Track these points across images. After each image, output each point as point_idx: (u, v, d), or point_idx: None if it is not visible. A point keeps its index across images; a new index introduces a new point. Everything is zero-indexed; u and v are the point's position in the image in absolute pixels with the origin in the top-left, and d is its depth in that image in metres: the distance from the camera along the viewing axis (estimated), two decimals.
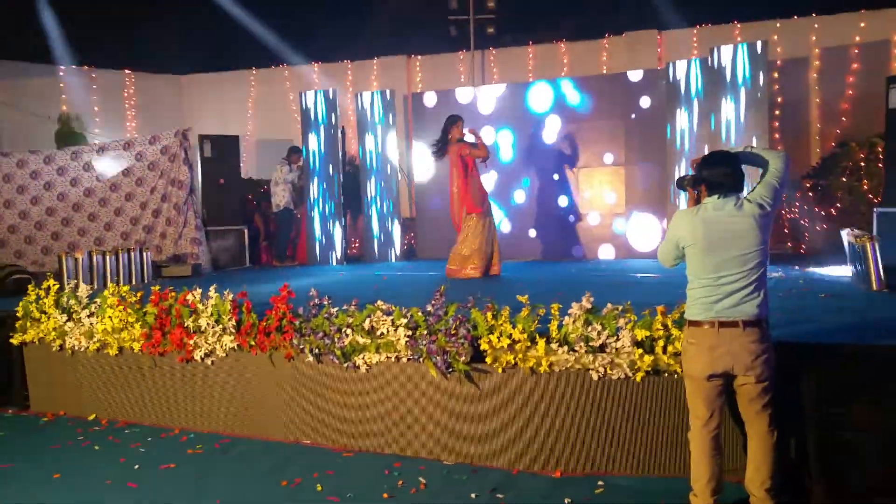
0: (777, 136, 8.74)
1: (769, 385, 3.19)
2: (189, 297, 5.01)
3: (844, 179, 8.08)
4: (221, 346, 4.82)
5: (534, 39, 10.73)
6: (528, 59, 10.74)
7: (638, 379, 3.83)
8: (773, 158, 3.33)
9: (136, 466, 4.33)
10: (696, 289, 3.26)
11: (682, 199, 8.24)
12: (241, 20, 11.56)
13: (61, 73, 11.71)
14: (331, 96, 9.66)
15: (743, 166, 3.30)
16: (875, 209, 6.61)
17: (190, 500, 3.85)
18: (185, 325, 4.91)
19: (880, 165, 7.98)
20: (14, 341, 5.52)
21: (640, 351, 3.83)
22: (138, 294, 5.34)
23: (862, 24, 8.73)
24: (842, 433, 3.25)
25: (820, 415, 3.43)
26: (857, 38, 8.75)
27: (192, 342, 4.89)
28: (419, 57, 11.34)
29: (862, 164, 8.03)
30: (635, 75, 8.91)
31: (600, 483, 3.85)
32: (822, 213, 8.18)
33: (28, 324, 5.47)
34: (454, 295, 4.61)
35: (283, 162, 9.94)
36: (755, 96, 7.45)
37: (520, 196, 9.56)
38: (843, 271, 6.35)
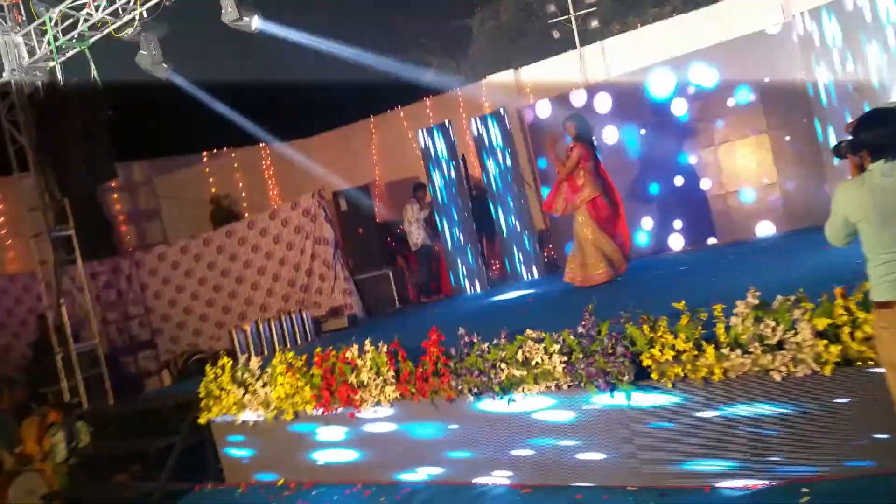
0: None
1: None
2: (348, 354, 5.19)
3: None
4: (385, 397, 4.94)
5: (642, 21, 10.27)
6: (642, 43, 10.28)
7: (828, 372, 3.45)
8: None
9: None
10: (878, 265, 2.90)
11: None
12: (353, 73, 12.07)
13: (205, 159, 12.77)
14: (446, 127, 9.77)
15: None
16: None
17: None
18: (349, 381, 5.08)
19: None
20: (202, 420, 5.98)
21: (825, 342, 3.45)
22: (303, 357, 5.60)
23: None
24: None
25: None
26: None
27: (357, 397, 5.04)
28: (524, 69, 11.22)
29: None
30: (758, 34, 8.24)
31: (804, 490, 3.49)
32: None
33: (211, 402, 5.91)
34: (603, 310, 4.41)
35: (412, 201, 10.16)
36: None
37: (656, 188, 9.10)
38: None
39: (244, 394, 5.71)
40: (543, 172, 10.00)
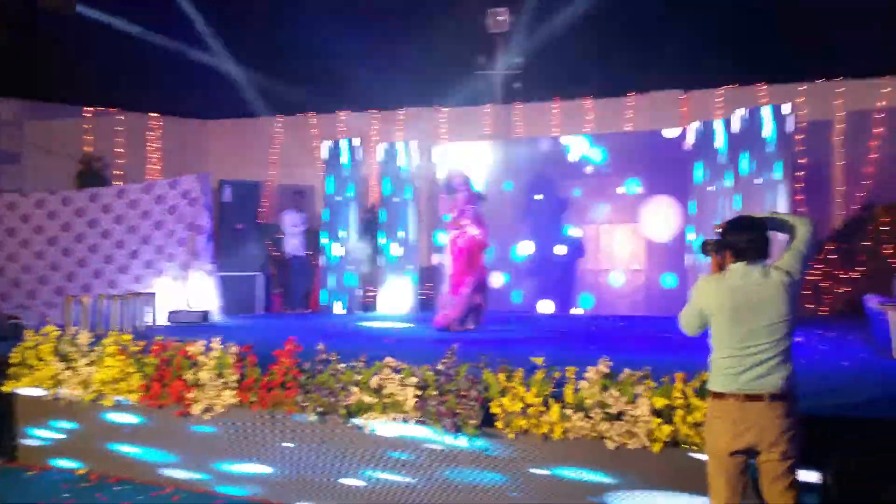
0: (800, 197, 8.60)
1: (795, 463, 2.98)
2: (191, 349, 4.88)
3: (868, 243, 7.90)
4: (221, 402, 4.66)
5: (559, 95, 10.74)
6: (552, 115, 10.75)
7: (656, 450, 3.61)
8: (799, 224, 3.18)
9: None
10: (721, 359, 3.08)
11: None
12: (268, 68, 11.76)
13: (86, 115, 11.89)
14: (355, 145, 9.71)
15: (769, 232, 3.15)
16: None
17: None
18: (186, 378, 4.77)
19: None
20: (6, 389, 5.32)
21: (659, 420, 3.62)
22: (141, 343, 5.21)
23: (886, 90, 8.66)
24: None
25: (845, 494, 3.19)
26: (882, 103, 8.67)
27: (190, 395, 4.73)
28: (444, 109, 11.39)
29: (886, 228, 7.87)
30: (659, 134, 8.87)
31: None
32: (844, 276, 7.99)
33: (24, 371, 5.29)
34: (466, 353, 4.43)
35: (292, 210, 9.92)
36: (780, 158, 7.33)
37: (530, 251, 9.41)
38: (864, 336, 6.10)
39: (64, 369, 5.21)
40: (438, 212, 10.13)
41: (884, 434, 3.29)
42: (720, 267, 3.27)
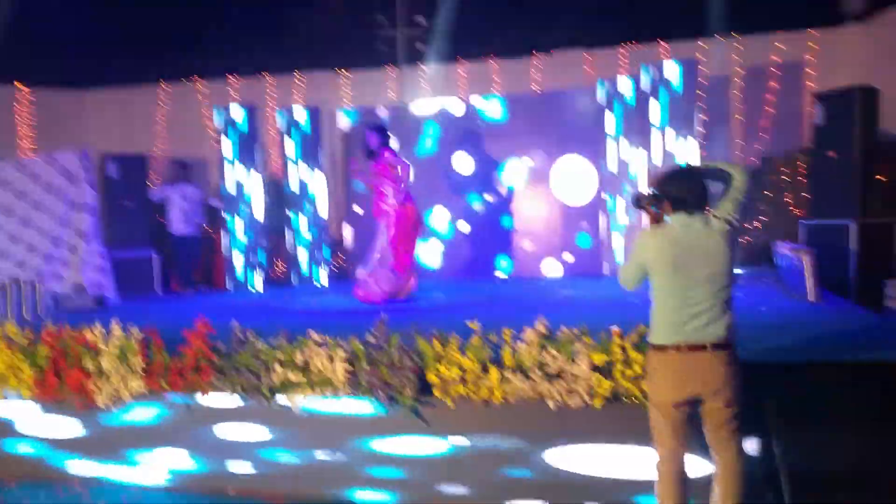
0: (704, 153, 8.86)
1: (738, 410, 3.02)
2: (89, 335, 4.41)
3: (769, 193, 8.26)
4: (128, 390, 4.25)
5: (463, 56, 10.52)
6: (459, 76, 10.54)
7: (597, 406, 3.57)
8: (735, 172, 3.17)
9: None
10: (662, 310, 3.04)
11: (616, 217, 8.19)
12: (150, 30, 10.85)
13: None
14: (252, 111, 9.15)
15: (707, 181, 3.11)
16: (803, 222, 6.69)
17: None
18: (85, 367, 4.31)
19: (799, 180, 8.19)
20: None
21: (599, 376, 3.57)
22: (29, 332, 4.67)
23: (780, 45, 9.01)
24: (807, 455, 3.07)
25: (784, 437, 3.26)
26: (776, 59, 9.02)
27: (93, 386, 4.28)
28: (345, 71, 10.94)
29: (785, 178, 8.23)
30: (563, 93, 8.86)
31: None
32: (748, 226, 8.33)
33: None
34: (396, 322, 4.23)
35: (180, 183, 9.28)
36: (685, 112, 7.49)
37: (444, 218, 9.27)
38: (775, 282, 6.35)
39: None
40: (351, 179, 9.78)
41: (819, 375, 3.36)
42: (657, 220, 3.21)
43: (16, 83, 11.10)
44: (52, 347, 4.41)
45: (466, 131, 9.14)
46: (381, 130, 7.00)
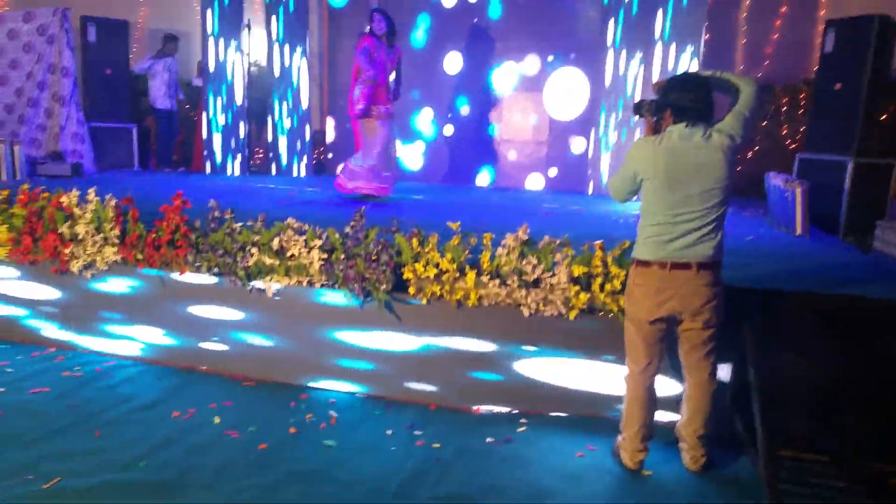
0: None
1: (715, 332, 3.02)
2: (64, 199, 4.31)
3: (765, 123, 8.10)
4: (102, 259, 4.20)
5: None
6: None
7: (572, 317, 3.59)
8: (743, 85, 3.03)
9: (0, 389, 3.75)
10: (650, 226, 2.98)
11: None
12: None
13: None
14: None
15: (713, 93, 2.98)
16: (798, 155, 6.61)
17: (68, 431, 3.34)
18: (60, 231, 4.23)
19: (800, 112, 8.03)
20: None
21: (577, 288, 3.56)
22: (4, 192, 4.56)
23: None
24: (778, 382, 3.12)
25: (757, 363, 3.30)
26: None
27: (67, 252, 4.22)
28: None
29: (784, 108, 8.06)
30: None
31: (522, 421, 3.64)
32: (740, 155, 8.21)
33: None
34: (375, 217, 4.17)
35: (160, 54, 8.90)
36: (690, 28, 7.20)
37: (428, 119, 9.02)
38: (762, 213, 6.35)
39: None
40: (334, 66, 9.41)
41: (791, 305, 3.38)
42: (655, 130, 3.12)
43: None
44: (28, 209, 4.30)
45: (459, 27, 8.74)
46: (387, 19, 6.35)
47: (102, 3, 10.26)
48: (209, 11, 8.68)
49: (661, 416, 3.35)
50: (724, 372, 3.39)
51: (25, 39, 7.97)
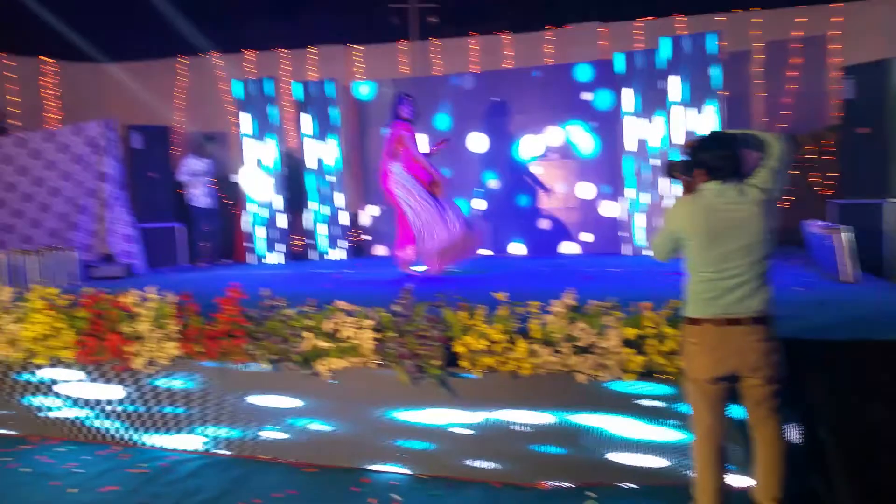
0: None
1: (779, 386, 2.98)
2: (125, 300, 4.50)
3: (796, 172, 8.15)
4: (164, 354, 4.34)
5: (476, 30, 10.44)
6: (471, 50, 10.45)
7: (629, 381, 3.58)
8: (772, 141, 3.11)
9: (73, 490, 3.84)
10: (697, 283, 3.01)
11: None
12: (165, 6, 10.90)
13: None
14: (270, 81, 9.20)
15: (742, 150, 3.07)
16: (832, 201, 6.62)
17: None
18: (122, 331, 4.40)
19: (826, 158, 8.08)
20: None
21: (632, 351, 3.58)
22: (68, 297, 4.78)
23: (801, 19, 8.83)
24: (855, 433, 3.05)
25: (828, 415, 3.23)
26: (798, 33, 8.85)
27: (130, 350, 4.38)
28: (358, 46, 10.90)
29: (810, 156, 8.13)
30: (580, 67, 8.77)
31: (591, 494, 3.59)
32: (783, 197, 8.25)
33: None
34: (420, 293, 4.27)
35: (195, 155, 9.31)
36: (705, 88, 7.40)
37: (479, 192, 9.26)
38: (805, 262, 6.29)
39: None
40: (366, 154, 9.79)
41: (859, 354, 3.34)
42: (690, 189, 3.19)
43: (41, 57, 11.18)
44: (91, 311, 4.50)
45: (479, 105, 9.09)
46: (411, 101, 6.80)
47: (142, 112, 10.91)
48: (243, 115, 9.16)
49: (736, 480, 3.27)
50: (796, 426, 3.32)
51: (76, 152, 8.47)
